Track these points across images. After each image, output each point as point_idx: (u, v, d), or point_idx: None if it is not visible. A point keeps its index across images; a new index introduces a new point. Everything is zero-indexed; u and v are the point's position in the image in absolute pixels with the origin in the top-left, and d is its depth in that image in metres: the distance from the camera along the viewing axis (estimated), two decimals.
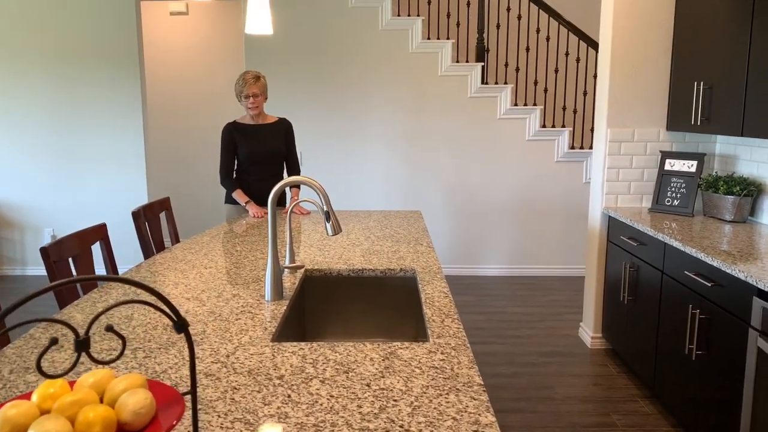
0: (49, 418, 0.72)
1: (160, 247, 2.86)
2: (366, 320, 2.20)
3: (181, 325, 0.88)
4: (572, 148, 5.23)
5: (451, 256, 5.34)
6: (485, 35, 5.25)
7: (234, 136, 3.37)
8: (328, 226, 1.85)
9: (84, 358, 1.39)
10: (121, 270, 4.82)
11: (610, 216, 3.59)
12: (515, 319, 4.26)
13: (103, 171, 5.23)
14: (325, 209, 1.82)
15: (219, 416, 1.15)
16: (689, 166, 3.40)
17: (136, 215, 2.67)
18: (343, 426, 1.11)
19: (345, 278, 2.19)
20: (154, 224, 2.86)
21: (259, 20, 2.59)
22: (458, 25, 5.21)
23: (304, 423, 1.12)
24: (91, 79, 5.10)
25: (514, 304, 4.60)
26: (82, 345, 0.78)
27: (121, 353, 0.84)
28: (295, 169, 3.56)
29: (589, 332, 3.80)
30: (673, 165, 3.47)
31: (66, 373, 0.77)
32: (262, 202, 3.38)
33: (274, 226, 1.82)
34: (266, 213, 3.25)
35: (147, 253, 2.72)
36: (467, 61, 5.21)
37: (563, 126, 5.27)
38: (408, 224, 3.02)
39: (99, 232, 2.30)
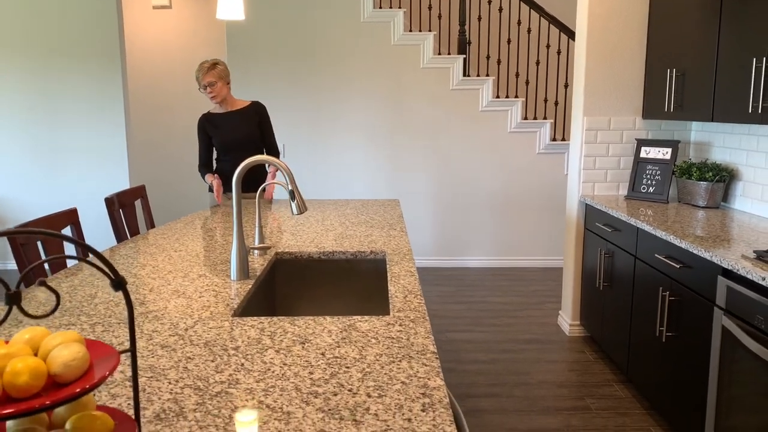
0: None
1: (135, 235, 2.86)
2: (336, 301, 2.21)
3: (117, 282, 0.88)
4: (554, 140, 5.26)
5: (433, 248, 5.35)
6: (467, 27, 5.26)
7: (206, 127, 3.36)
8: (293, 204, 1.86)
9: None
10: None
11: (587, 204, 3.62)
12: (495, 309, 4.28)
13: (84, 165, 5.20)
14: (289, 188, 1.83)
15: (170, 383, 1.16)
16: (664, 153, 3.43)
17: (109, 202, 2.66)
18: (292, 390, 1.12)
19: (315, 261, 2.20)
20: (128, 212, 2.85)
21: (231, 6, 2.59)
22: (440, 17, 5.23)
23: (253, 388, 1.13)
24: (72, 72, 5.08)
25: (495, 294, 4.62)
26: (13, 298, 0.79)
27: (55, 308, 0.84)
28: (273, 152, 3.50)
29: (567, 320, 3.83)
30: (649, 153, 3.50)
31: None
32: (243, 187, 3.36)
33: (239, 206, 1.83)
34: (223, 195, 3.24)
35: (120, 240, 2.71)
36: (449, 54, 5.22)
37: (545, 118, 5.30)
38: (384, 211, 3.03)
39: (69, 217, 2.29)
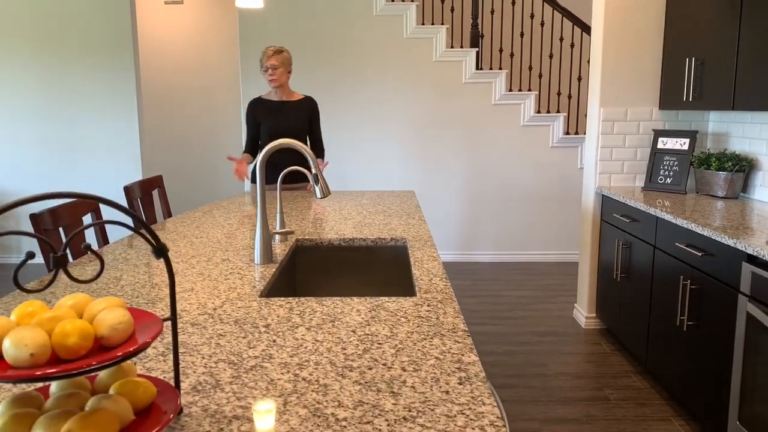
0: (25, 327, 0.73)
1: (152, 224, 2.86)
2: (357, 287, 2.21)
3: (159, 249, 0.88)
4: (567, 133, 5.23)
5: (446, 242, 5.34)
6: (480, 21, 5.25)
7: (256, 111, 3.38)
8: (317, 188, 1.86)
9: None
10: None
11: (603, 195, 3.60)
12: (510, 302, 4.27)
13: (97, 159, 5.22)
14: (313, 172, 1.82)
15: (203, 357, 1.16)
16: (682, 144, 3.41)
17: (128, 190, 2.67)
18: (326, 364, 1.12)
19: (336, 247, 2.20)
20: (146, 201, 2.86)
21: None
22: (452, 10, 5.21)
23: (288, 362, 1.13)
24: (86, 67, 5.10)
25: (509, 288, 4.61)
26: (60, 261, 0.79)
27: (100, 272, 0.84)
28: (318, 149, 3.53)
29: (583, 312, 3.81)
30: (666, 143, 3.47)
31: (45, 287, 0.78)
32: (285, 178, 3.41)
33: (262, 191, 1.83)
34: (244, 175, 3.27)
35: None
36: (462, 47, 5.21)
37: (558, 111, 5.28)
38: (401, 201, 3.03)
39: (90, 204, 2.30)
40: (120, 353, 0.77)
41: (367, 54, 5.13)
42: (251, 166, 3.41)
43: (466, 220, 5.32)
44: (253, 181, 3.48)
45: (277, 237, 2.14)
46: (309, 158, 1.79)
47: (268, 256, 1.84)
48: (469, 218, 5.32)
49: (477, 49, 5.10)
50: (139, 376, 0.94)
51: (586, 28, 4.99)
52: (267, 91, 3.49)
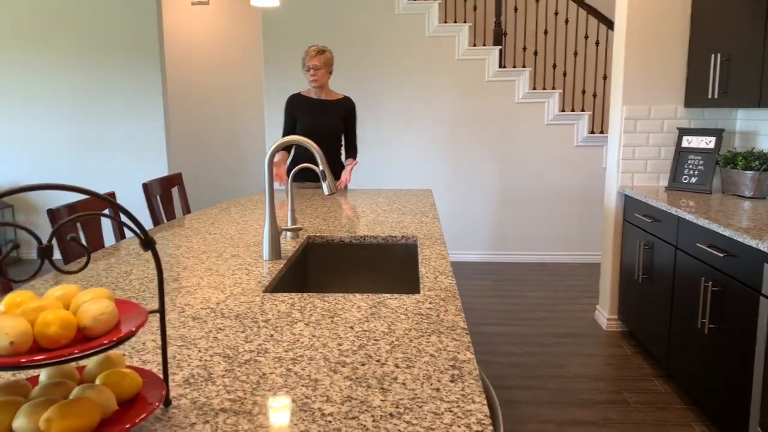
0: (8, 316, 0.74)
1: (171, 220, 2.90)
2: (367, 284, 2.20)
3: (147, 242, 0.89)
4: (592, 132, 5.15)
5: (471, 242, 5.30)
6: (503, 18, 5.19)
7: (294, 107, 3.41)
8: (324, 185, 1.86)
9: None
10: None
11: (626, 195, 3.52)
12: (531, 303, 4.22)
13: (125, 155, 5.32)
14: (321, 168, 1.82)
15: (199, 351, 1.17)
16: (707, 142, 3.32)
17: (146, 187, 2.71)
18: (320, 360, 1.12)
19: (347, 245, 2.20)
20: (165, 198, 2.90)
21: None
22: (475, 8, 5.17)
23: (282, 357, 1.13)
24: (112, 67, 5.20)
25: (531, 288, 4.55)
26: (45, 252, 0.80)
27: (86, 264, 0.85)
28: (351, 149, 3.54)
29: (604, 314, 3.74)
30: (691, 142, 3.39)
31: (30, 277, 0.79)
32: (313, 177, 3.43)
33: (271, 187, 1.84)
34: (282, 178, 3.26)
35: (156, 225, 2.76)
36: (484, 45, 5.16)
37: (582, 110, 5.19)
38: (417, 200, 3.01)
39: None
40: (100, 343, 0.78)
41: (389, 53, 5.13)
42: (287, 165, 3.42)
43: (490, 220, 5.28)
44: (295, 180, 3.51)
45: (288, 234, 2.14)
46: (316, 155, 1.79)
47: (276, 252, 1.85)
48: (494, 218, 5.27)
49: (500, 47, 5.05)
50: (129, 367, 0.95)
51: (612, 25, 4.90)
52: (306, 88, 3.50)
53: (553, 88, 5.15)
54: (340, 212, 2.67)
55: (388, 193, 3.25)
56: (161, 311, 0.92)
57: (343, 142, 3.54)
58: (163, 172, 5.32)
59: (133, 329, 0.81)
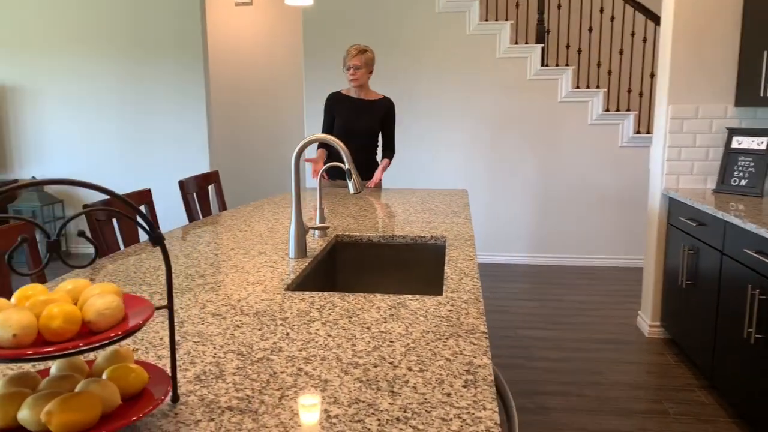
0: (14, 309, 0.75)
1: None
2: (394, 284, 2.18)
3: (156, 237, 0.89)
4: (638, 133, 4.99)
5: (511, 244, 5.21)
6: (545, 16, 5.09)
7: (333, 105, 3.44)
8: (350, 183, 1.85)
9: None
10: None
11: (670, 197, 3.39)
12: (570, 307, 4.11)
13: (168, 154, 5.45)
14: (347, 167, 1.81)
15: (215, 347, 1.17)
16: (759, 143, 3.16)
17: (182, 184, 2.76)
18: (332, 360, 1.10)
19: (375, 244, 2.18)
20: (202, 196, 2.95)
21: None
22: (517, 6, 5.08)
23: (295, 356, 1.12)
24: (158, 67, 5.33)
25: (572, 292, 4.44)
26: (53, 246, 0.81)
27: (94, 259, 0.86)
28: (389, 149, 3.54)
29: (647, 320, 3.61)
30: (741, 143, 3.24)
31: (37, 271, 0.80)
32: (342, 176, 3.44)
33: (297, 185, 1.83)
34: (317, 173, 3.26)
35: (192, 221, 2.80)
36: (527, 43, 5.07)
37: (628, 110, 5.03)
38: (450, 200, 2.97)
39: (144, 196, 2.39)
40: (106, 337, 0.79)
41: (429, 51, 5.09)
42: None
43: (531, 221, 5.18)
44: (330, 177, 3.52)
45: (316, 232, 2.14)
46: (342, 153, 1.78)
47: (302, 250, 1.85)
48: (535, 220, 5.17)
49: (542, 45, 4.95)
50: (138, 362, 0.95)
51: (660, 22, 4.73)
52: (346, 87, 3.51)
53: (597, 87, 5.01)
54: (371, 211, 2.66)
55: (423, 193, 3.22)
56: (170, 307, 0.92)
57: (380, 142, 3.53)
58: (205, 169, 5.42)
59: (138, 324, 0.81)
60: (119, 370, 0.86)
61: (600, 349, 3.39)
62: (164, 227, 5.38)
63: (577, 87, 5.00)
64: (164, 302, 1.44)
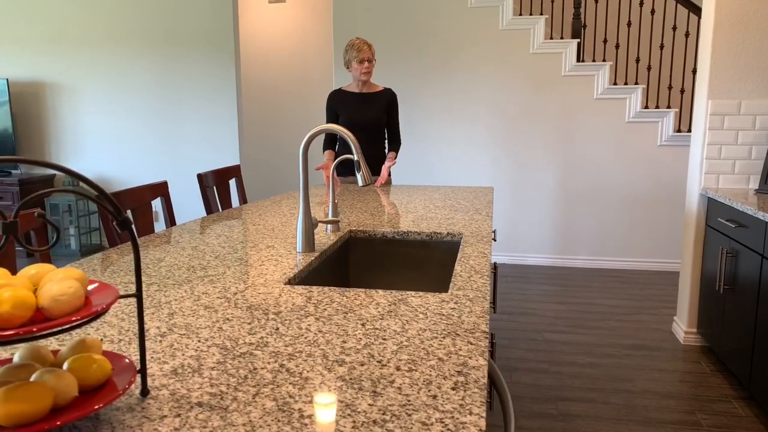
0: None
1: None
2: (408, 281, 2.11)
3: (122, 221, 0.85)
4: (678, 131, 4.79)
5: (539, 244, 5.07)
6: (582, 10, 4.93)
7: (336, 102, 3.41)
8: (359, 176, 1.79)
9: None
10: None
11: (709, 197, 3.23)
12: (601, 311, 3.96)
13: (199, 148, 5.49)
14: (356, 159, 1.75)
15: (199, 341, 1.12)
16: None
17: (201, 178, 2.75)
18: (318, 357, 1.04)
19: (389, 240, 2.11)
20: (222, 190, 2.93)
21: None
22: (552, 0, 4.94)
23: (280, 352, 1.06)
24: (191, 63, 5.38)
25: (603, 295, 4.28)
26: (9, 228, 0.77)
27: (55, 242, 0.82)
28: (395, 140, 3.51)
29: (682, 326, 3.45)
30: None
31: (46, 248, 0.76)
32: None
33: (305, 179, 1.78)
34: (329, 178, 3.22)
35: (209, 214, 2.79)
36: (562, 38, 4.92)
37: (668, 107, 4.83)
38: (474, 197, 2.88)
39: (159, 189, 2.38)
40: (62, 323, 0.74)
41: (460, 47, 4.99)
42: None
43: (561, 221, 5.03)
44: (340, 175, 3.50)
45: (329, 227, 2.09)
46: (351, 144, 1.72)
47: (309, 244, 1.80)
48: (565, 220, 5.02)
49: (578, 40, 4.79)
50: (107, 354, 0.91)
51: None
52: (347, 84, 3.49)
53: (636, 83, 4.82)
54: (389, 207, 2.59)
55: (446, 190, 3.14)
56: (138, 296, 0.87)
57: (386, 135, 3.49)
58: (236, 161, 5.45)
59: (95, 310, 0.77)
60: (80, 361, 0.82)
61: (630, 356, 3.25)
62: (184, 219, 5.43)
63: (615, 83, 4.83)
64: (159, 293, 1.41)
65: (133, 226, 1.07)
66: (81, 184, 5.66)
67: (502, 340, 3.46)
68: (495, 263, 2.25)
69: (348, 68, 3.36)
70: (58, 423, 0.73)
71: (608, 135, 4.85)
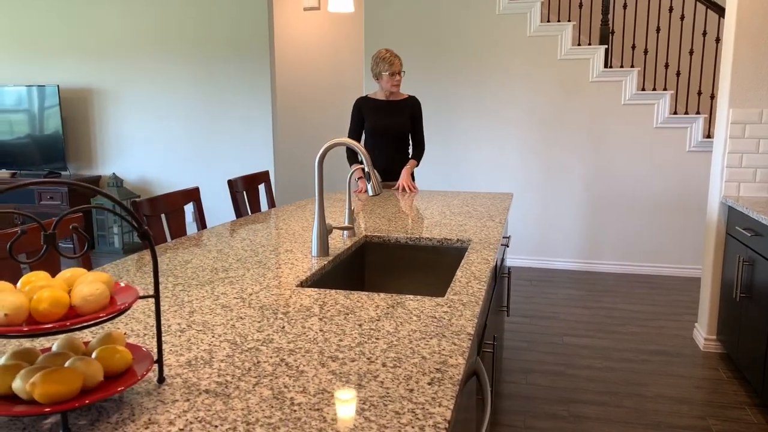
0: (9, 292, 0.87)
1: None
2: (418, 286, 2.22)
3: (143, 233, 0.99)
4: (708, 137, 4.76)
5: (565, 249, 5.11)
6: (610, 16, 4.95)
7: (362, 108, 3.55)
8: (369, 186, 1.91)
9: None
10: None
11: (729, 206, 3.24)
12: (623, 316, 3.99)
13: (235, 153, 5.71)
14: (366, 170, 1.88)
15: (213, 336, 1.26)
16: None
17: (231, 183, 2.92)
18: (315, 353, 1.17)
19: (402, 245, 2.23)
20: (251, 195, 3.10)
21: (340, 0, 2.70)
22: (581, 6, 4.97)
23: (282, 348, 1.20)
24: (227, 70, 5.60)
25: (627, 301, 4.31)
26: (49, 239, 0.92)
27: (84, 251, 0.97)
28: (419, 147, 3.63)
29: (702, 333, 3.46)
30: None
31: (35, 260, 0.92)
32: (383, 175, 3.55)
33: (320, 188, 1.92)
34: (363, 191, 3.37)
35: (239, 218, 2.96)
36: (590, 44, 4.95)
37: (698, 113, 4.81)
38: (491, 204, 2.98)
39: (190, 195, 2.56)
40: (90, 319, 0.89)
41: (489, 53, 5.07)
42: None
43: (588, 226, 5.06)
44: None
45: (345, 232, 2.22)
46: (361, 155, 1.85)
47: (324, 249, 1.93)
48: (592, 225, 5.05)
49: (606, 46, 4.82)
50: (129, 346, 1.06)
51: None
52: (373, 92, 3.62)
53: (665, 89, 4.82)
54: (407, 213, 2.71)
55: (466, 196, 3.24)
56: (156, 296, 1.01)
57: (411, 140, 3.62)
58: (270, 166, 5.65)
59: (119, 308, 0.91)
60: (106, 351, 0.96)
61: (648, 361, 3.29)
62: (219, 221, 5.66)
63: (643, 89, 4.84)
64: (183, 293, 1.56)
65: (151, 238, 1.23)
66: (119, 187, 5.95)
67: (521, 343, 3.53)
68: (509, 268, 2.35)
69: (377, 79, 3.48)
70: (87, 401, 0.87)
71: (636, 140, 4.86)
